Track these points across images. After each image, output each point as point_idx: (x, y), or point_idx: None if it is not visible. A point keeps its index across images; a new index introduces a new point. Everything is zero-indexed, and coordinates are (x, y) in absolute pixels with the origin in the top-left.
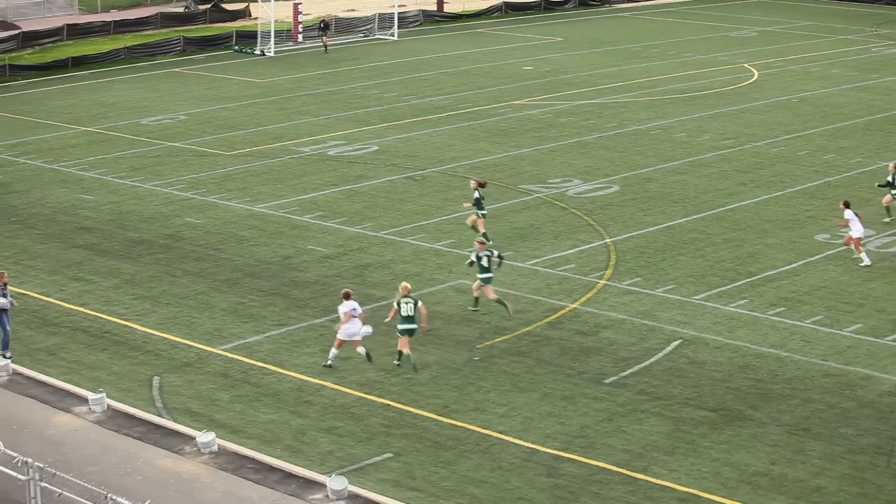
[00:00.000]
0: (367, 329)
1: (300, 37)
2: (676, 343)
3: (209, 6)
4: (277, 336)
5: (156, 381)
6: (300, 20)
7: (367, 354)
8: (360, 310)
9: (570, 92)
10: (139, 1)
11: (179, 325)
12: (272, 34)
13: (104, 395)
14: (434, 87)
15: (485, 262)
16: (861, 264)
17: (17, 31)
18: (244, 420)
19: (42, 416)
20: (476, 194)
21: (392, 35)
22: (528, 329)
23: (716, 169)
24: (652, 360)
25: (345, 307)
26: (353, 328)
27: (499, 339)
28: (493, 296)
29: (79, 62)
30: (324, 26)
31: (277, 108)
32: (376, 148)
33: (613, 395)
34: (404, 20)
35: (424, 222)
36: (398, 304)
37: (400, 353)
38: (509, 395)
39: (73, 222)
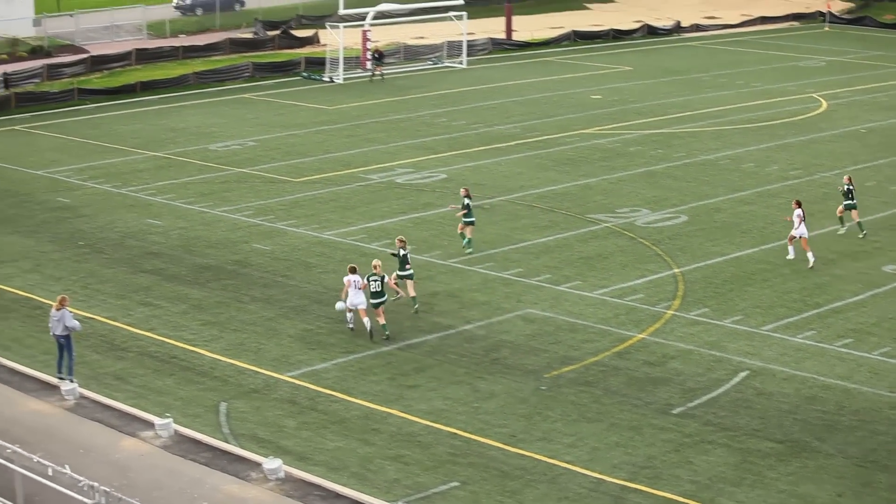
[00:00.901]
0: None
1: (368, 64)
2: (744, 374)
3: (278, 32)
4: (345, 363)
5: (223, 406)
6: (368, 47)
7: (371, 331)
8: (361, 281)
9: (639, 121)
10: (208, 27)
11: (247, 351)
12: (341, 61)
13: (171, 420)
14: (502, 115)
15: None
16: (808, 266)
17: (85, 55)
18: (311, 447)
19: (109, 441)
20: (466, 201)
21: (461, 63)
22: (595, 359)
23: (784, 199)
24: (719, 390)
25: (347, 278)
26: (357, 298)
27: (566, 369)
28: (412, 292)
29: (147, 87)
30: (378, 56)
31: (346, 135)
32: (444, 176)
33: (680, 426)
34: (473, 48)
35: (492, 251)
36: (369, 280)
37: (378, 321)
38: (576, 425)
39: (141, 247)
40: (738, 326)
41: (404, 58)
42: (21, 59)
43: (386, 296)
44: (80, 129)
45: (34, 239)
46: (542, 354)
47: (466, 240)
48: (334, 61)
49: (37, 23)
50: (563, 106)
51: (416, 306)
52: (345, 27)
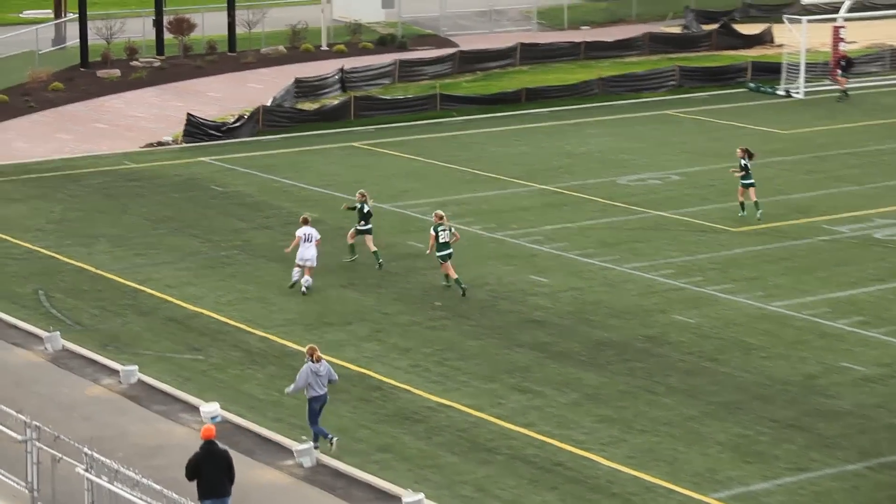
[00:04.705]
0: (308, 280)
1: (839, 74)
2: None
3: (716, 27)
4: (793, 485)
5: None
6: (841, 50)
7: (304, 290)
8: (316, 236)
9: None
10: (621, 16)
11: (658, 460)
12: (802, 68)
13: None
14: None
15: (365, 211)
16: None
17: (453, 51)
18: None
19: None
20: (743, 162)
21: None
22: None
23: None
24: None
25: (300, 231)
26: (307, 252)
27: None
28: (373, 247)
29: (535, 96)
30: (845, 63)
31: (805, 170)
32: None
33: None
34: None
35: None
36: (436, 231)
37: (447, 276)
38: None
39: (518, 312)
40: None
41: (890, 66)
42: (365, 52)
43: (452, 249)
44: (443, 150)
45: (374, 296)
46: None
47: (753, 203)
48: (793, 68)
49: (388, 4)
50: None
51: (380, 261)
52: (809, 21)
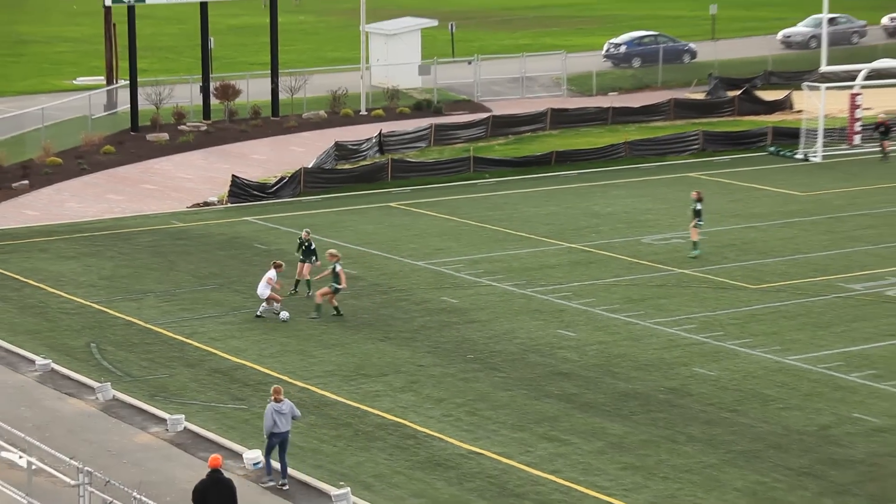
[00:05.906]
0: (285, 314)
1: (857, 138)
2: None
3: (739, 93)
4: None
5: None
6: (857, 116)
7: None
8: (268, 276)
9: None
10: (647, 83)
11: None
12: (820, 133)
13: None
14: None
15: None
16: None
17: (486, 115)
18: None
19: None
20: (696, 206)
21: None
22: None
23: None
24: None
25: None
26: (260, 289)
27: None
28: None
29: (565, 158)
30: (884, 129)
31: (822, 230)
32: None
33: None
34: None
35: None
36: (341, 267)
37: (336, 308)
38: None
39: (547, 365)
40: None
41: None
42: (402, 116)
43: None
44: (477, 210)
45: (410, 349)
46: None
47: (692, 243)
48: (811, 133)
49: (424, 70)
50: None
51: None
52: (828, 88)
